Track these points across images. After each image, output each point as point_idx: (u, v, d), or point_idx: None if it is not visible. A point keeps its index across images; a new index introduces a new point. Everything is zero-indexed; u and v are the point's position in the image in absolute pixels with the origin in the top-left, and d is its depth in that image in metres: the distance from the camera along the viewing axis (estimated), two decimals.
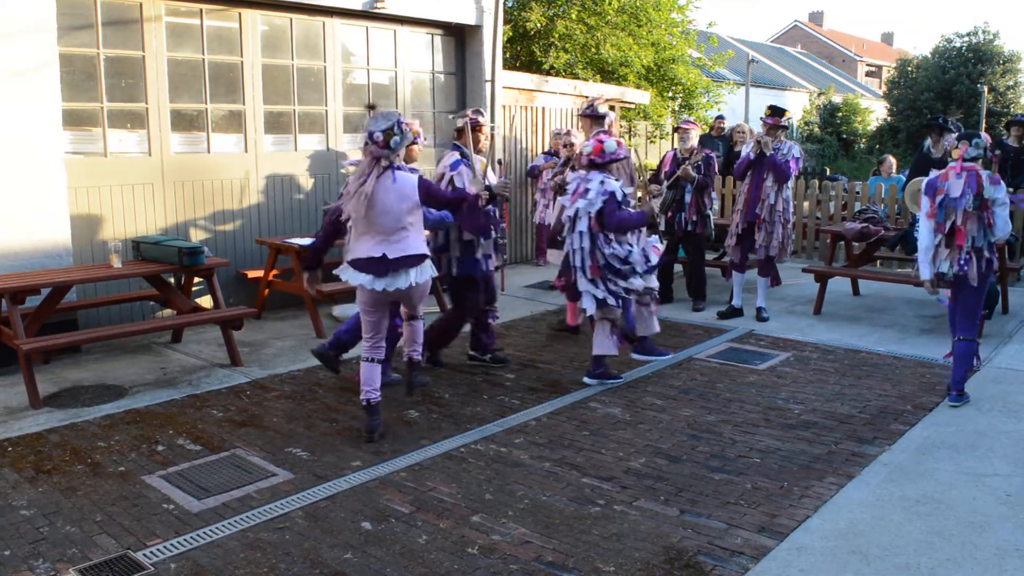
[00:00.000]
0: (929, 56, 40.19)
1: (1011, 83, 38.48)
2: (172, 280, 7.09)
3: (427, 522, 4.02)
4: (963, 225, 5.44)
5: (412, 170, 5.05)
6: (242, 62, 8.03)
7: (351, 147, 9.07)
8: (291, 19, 8.38)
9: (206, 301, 7.59)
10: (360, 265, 4.91)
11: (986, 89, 35.98)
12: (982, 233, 5.44)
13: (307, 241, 7.71)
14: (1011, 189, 9.57)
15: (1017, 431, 5.15)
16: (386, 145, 4.79)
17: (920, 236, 5.68)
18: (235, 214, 8.15)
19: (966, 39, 39.06)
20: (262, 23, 8.18)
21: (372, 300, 4.99)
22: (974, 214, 5.41)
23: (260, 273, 8.02)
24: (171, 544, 3.79)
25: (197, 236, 7.85)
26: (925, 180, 5.73)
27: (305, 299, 7.55)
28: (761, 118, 8.03)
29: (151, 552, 3.72)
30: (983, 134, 5.62)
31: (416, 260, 4.96)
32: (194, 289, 7.40)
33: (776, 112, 7.90)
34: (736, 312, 8.20)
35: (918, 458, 4.76)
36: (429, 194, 5.00)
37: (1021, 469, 4.57)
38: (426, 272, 5.03)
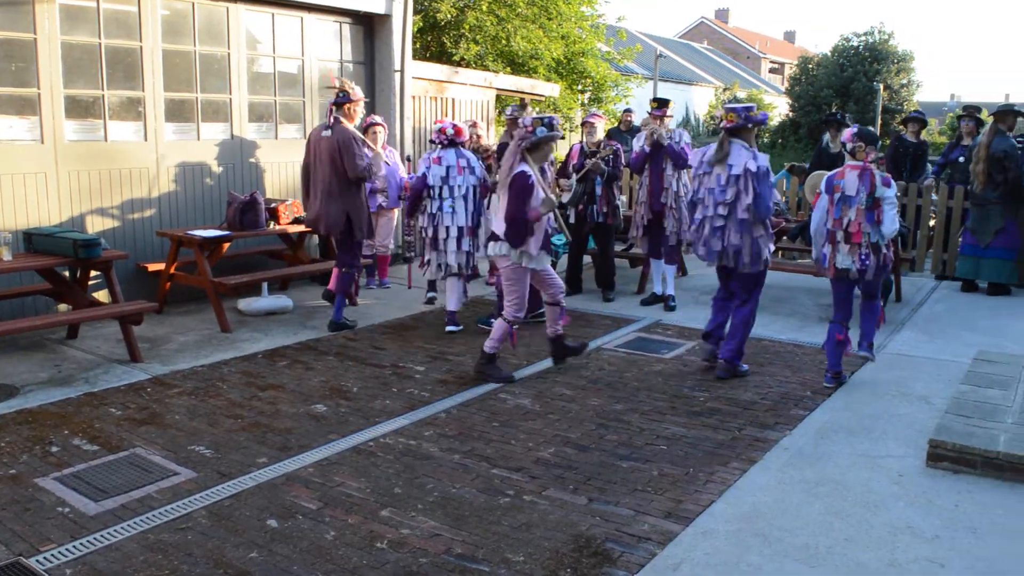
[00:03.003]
0: (829, 54, 41.63)
1: (905, 81, 40.15)
2: (67, 274, 6.82)
3: (335, 518, 3.96)
4: (857, 222, 5.67)
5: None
6: (141, 47, 7.75)
7: (257, 136, 8.87)
8: (193, 3, 8.13)
9: (104, 295, 7.32)
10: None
11: (882, 87, 37.44)
12: (876, 230, 5.68)
13: (211, 233, 7.52)
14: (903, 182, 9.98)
15: (909, 414, 5.37)
16: (532, 132, 5.80)
17: (812, 223, 5.99)
18: (135, 205, 7.87)
19: (863, 39, 40.59)
20: (162, 7, 7.90)
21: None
22: (865, 212, 5.64)
23: (161, 266, 7.77)
24: (66, 549, 3.65)
25: (94, 228, 7.55)
26: (825, 177, 5.94)
27: (209, 293, 7.35)
28: (648, 112, 8.26)
29: (45, 557, 3.57)
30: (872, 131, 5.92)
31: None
32: (92, 283, 7.13)
33: (662, 104, 8.25)
34: (660, 299, 8.37)
35: (817, 442, 4.92)
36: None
37: (913, 450, 4.77)
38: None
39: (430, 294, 7.35)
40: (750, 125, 5.90)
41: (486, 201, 7.56)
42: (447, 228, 7.16)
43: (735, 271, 6.05)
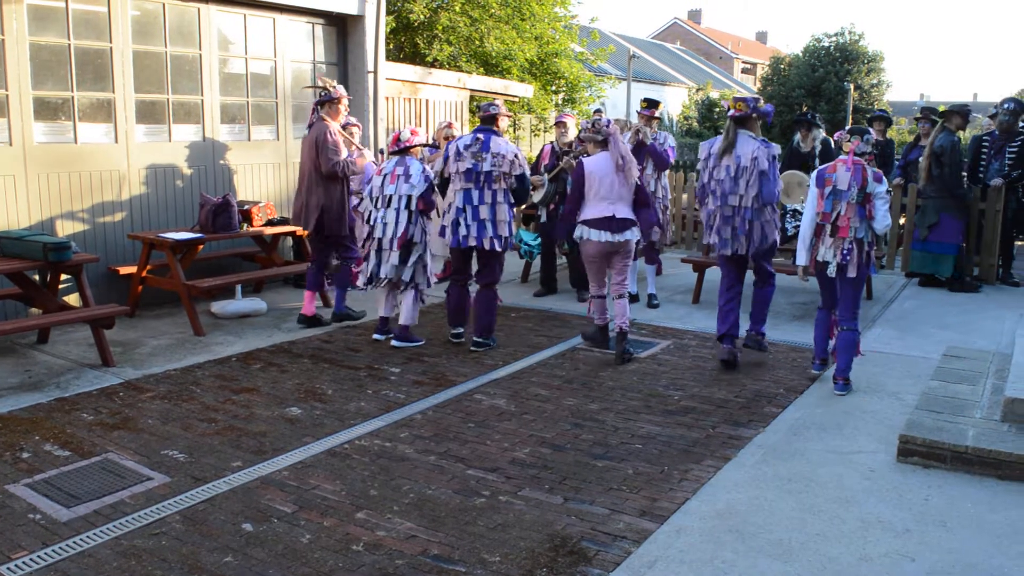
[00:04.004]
0: (800, 55, 41.99)
1: (875, 81, 40.59)
2: (37, 277, 6.74)
3: (310, 521, 3.95)
4: (847, 217, 5.68)
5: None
6: (111, 48, 7.68)
7: (229, 137, 8.82)
8: (164, 4, 8.07)
9: (75, 299, 7.24)
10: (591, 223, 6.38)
11: (852, 87, 37.83)
12: (864, 225, 5.70)
13: (183, 235, 7.47)
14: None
15: (881, 410, 5.43)
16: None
17: (802, 225, 5.89)
18: (106, 207, 7.80)
19: (834, 39, 40.99)
20: (132, 8, 7.83)
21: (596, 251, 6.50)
22: (856, 206, 5.66)
23: (133, 269, 7.70)
24: (38, 556, 3.61)
25: (64, 231, 7.47)
26: (815, 172, 5.93)
27: (181, 296, 7.30)
28: (638, 111, 8.37)
29: (16, 566, 3.53)
30: (872, 130, 5.91)
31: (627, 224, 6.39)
32: (63, 287, 7.06)
33: (652, 104, 8.37)
34: (632, 299, 8.41)
35: (790, 439, 4.97)
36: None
37: (884, 446, 4.83)
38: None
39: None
40: (755, 116, 6.10)
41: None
42: (380, 239, 6.81)
43: (746, 257, 6.26)
